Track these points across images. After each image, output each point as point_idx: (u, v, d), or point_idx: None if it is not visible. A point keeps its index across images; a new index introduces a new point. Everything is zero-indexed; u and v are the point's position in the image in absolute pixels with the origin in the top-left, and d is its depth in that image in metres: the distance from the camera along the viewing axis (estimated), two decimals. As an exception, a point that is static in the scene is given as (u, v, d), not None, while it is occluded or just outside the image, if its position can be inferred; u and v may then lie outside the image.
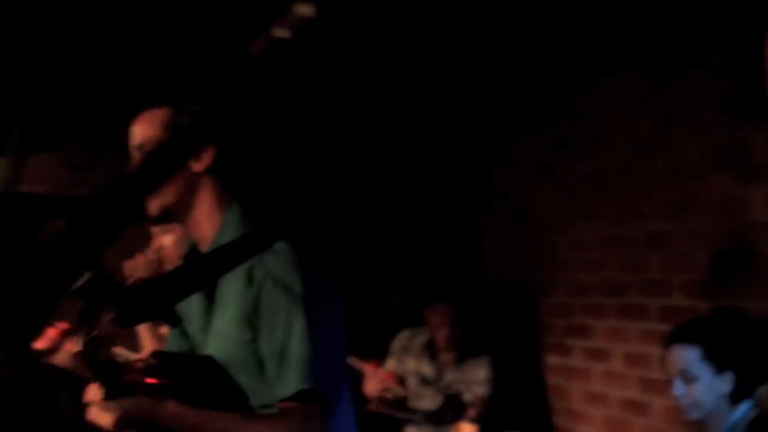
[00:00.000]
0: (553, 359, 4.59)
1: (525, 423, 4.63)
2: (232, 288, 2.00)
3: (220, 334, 2.04)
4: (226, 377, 2.02)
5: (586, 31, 3.99)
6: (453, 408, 4.34)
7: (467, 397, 4.29)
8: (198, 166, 2.12)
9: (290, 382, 1.92)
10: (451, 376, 4.35)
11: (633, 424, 4.01)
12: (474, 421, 4.17)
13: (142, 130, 2.17)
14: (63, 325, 3.21)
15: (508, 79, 4.61)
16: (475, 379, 4.29)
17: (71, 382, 5.03)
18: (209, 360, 2.05)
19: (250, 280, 1.95)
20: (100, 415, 1.83)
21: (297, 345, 1.92)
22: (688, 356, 2.79)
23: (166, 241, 3.15)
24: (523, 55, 4.31)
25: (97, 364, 1.81)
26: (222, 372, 2.02)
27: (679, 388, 2.82)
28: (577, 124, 4.41)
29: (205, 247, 2.14)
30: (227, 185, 2.18)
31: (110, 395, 1.83)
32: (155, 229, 3.15)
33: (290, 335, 1.92)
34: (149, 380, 1.94)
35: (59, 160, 4.44)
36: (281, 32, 0.73)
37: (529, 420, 4.66)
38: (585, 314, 4.34)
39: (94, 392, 1.88)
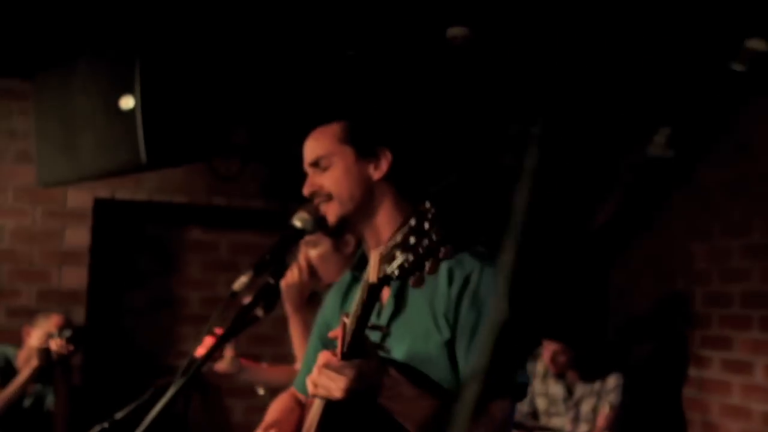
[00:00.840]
0: (688, 371, 4.50)
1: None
2: (428, 289, 1.99)
3: (413, 334, 2.00)
4: (421, 374, 2.02)
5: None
6: (586, 421, 4.33)
7: (600, 407, 4.30)
8: (376, 174, 2.13)
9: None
10: (581, 391, 4.37)
11: (778, 439, 3.91)
12: (606, 429, 4.17)
13: (316, 146, 2.20)
14: (219, 331, 3.29)
15: (642, 82, 4.54)
16: (605, 389, 4.31)
17: (204, 389, 5.16)
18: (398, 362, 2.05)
19: (450, 279, 1.97)
20: (332, 376, 1.80)
21: None
22: None
23: (312, 253, 3.21)
24: (655, 61, 4.24)
25: (362, 323, 1.78)
26: (415, 370, 2.03)
27: None
28: (719, 133, 4.32)
29: None
30: (406, 191, 2.19)
31: (348, 356, 1.81)
32: (303, 241, 3.21)
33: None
34: (379, 349, 1.92)
35: (198, 170, 4.56)
36: (738, 66, 0.75)
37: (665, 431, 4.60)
38: (724, 325, 4.25)
39: (325, 355, 1.86)
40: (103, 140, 3.65)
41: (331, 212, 2.15)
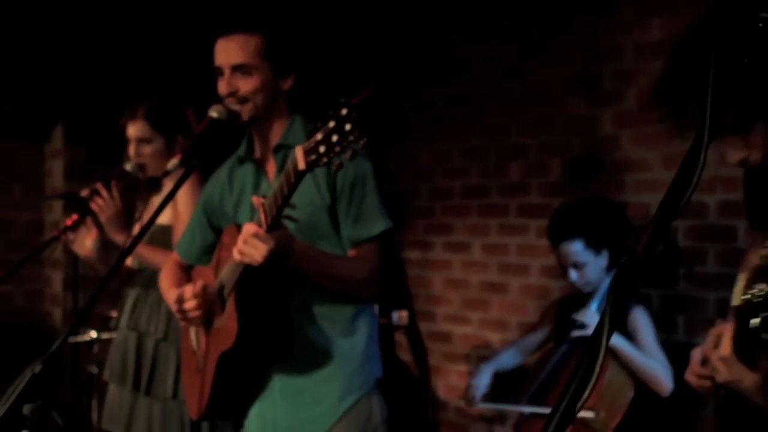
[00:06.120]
0: (414, 254, 5.37)
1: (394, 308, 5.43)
2: None
3: (299, 203, 2.45)
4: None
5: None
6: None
7: None
8: (285, 85, 2.72)
9: (375, 225, 2.64)
10: None
11: (491, 302, 4.92)
12: None
13: (241, 53, 2.64)
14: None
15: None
16: None
17: None
18: None
19: None
20: (257, 245, 2.30)
21: (376, 194, 2.67)
22: (574, 250, 3.67)
23: (146, 149, 3.61)
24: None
25: (286, 201, 2.27)
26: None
27: (573, 275, 3.70)
28: (439, 54, 5.15)
29: (274, 142, 2.74)
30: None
31: (270, 228, 2.32)
32: (137, 139, 3.58)
33: (369, 188, 2.66)
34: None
35: None
36: None
37: (396, 306, 5.44)
38: (446, 214, 5.17)
39: (251, 227, 2.34)
40: None
41: (246, 112, 2.67)
